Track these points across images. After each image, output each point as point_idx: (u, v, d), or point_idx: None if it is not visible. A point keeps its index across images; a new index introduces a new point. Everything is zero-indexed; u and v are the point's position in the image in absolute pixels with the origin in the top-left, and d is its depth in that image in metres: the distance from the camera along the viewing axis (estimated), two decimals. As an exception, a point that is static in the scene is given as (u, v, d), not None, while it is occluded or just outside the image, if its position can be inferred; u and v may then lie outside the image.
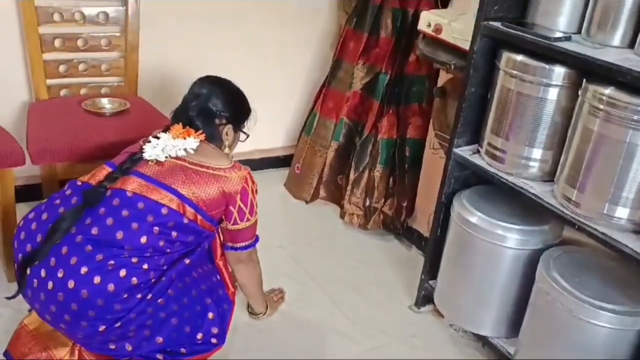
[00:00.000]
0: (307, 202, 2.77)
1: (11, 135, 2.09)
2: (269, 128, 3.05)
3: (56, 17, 2.35)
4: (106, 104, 2.34)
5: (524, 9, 1.81)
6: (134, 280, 1.48)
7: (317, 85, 2.94)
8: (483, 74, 1.87)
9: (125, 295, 1.47)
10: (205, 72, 2.82)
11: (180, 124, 1.72)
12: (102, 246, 1.49)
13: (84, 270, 1.45)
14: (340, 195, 2.71)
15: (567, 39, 1.65)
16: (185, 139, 1.67)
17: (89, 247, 1.48)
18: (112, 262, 1.47)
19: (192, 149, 1.66)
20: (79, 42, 2.42)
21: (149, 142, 1.67)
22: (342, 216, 2.67)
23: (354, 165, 2.59)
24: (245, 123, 1.88)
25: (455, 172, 1.98)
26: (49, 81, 2.41)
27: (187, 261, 1.61)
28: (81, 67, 2.45)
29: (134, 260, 1.50)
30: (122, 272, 1.46)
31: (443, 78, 2.30)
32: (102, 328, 1.47)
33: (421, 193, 2.53)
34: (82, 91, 2.49)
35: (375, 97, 2.54)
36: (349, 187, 2.61)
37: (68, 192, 1.62)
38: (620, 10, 1.59)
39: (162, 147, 1.65)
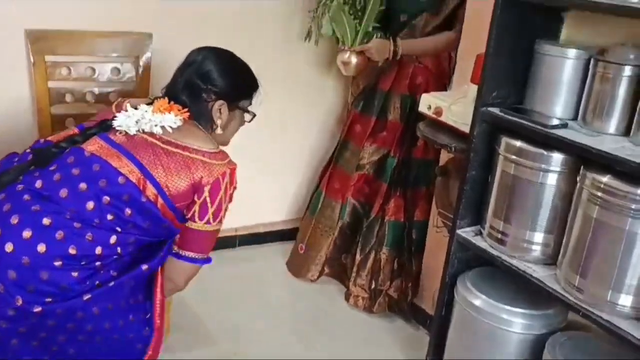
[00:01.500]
0: (312, 281, 2.75)
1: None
2: (273, 201, 3.09)
3: (68, 97, 2.43)
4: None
5: (522, 94, 1.86)
6: (72, 249, 1.29)
7: (322, 160, 2.99)
8: (483, 157, 1.90)
9: (58, 263, 1.28)
10: None
11: (166, 98, 1.56)
12: (42, 200, 1.32)
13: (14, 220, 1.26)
14: (344, 274, 2.71)
15: (564, 126, 1.69)
16: (164, 114, 1.48)
17: (27, 197, 1.32)
18: (48, 219, 1.29)
19: (171, 127, 1.46)
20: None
21: (125, 111, 1.51)
22: (347, 298, 2.66)
23: (360, 247, 2.60)
24: (247, 100, 1.66)
25: (458, 253, 1.99)
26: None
27: (144, 267, 1.41)
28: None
29: (77, 225, 1.31)
30: (59, 234, 1.28)
31: (445, 157, 2.34)
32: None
33: (426, 271, 2.53)
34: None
35: (383, 179, 2.58)
36: (354, 269, 2.60)
37: (28, 150, 1.50)
38: (614, 98, 1.63)
39: (136, 118, 1.47)
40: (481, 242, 1.91)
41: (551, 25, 1.87)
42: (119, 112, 1.54)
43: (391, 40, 2.48)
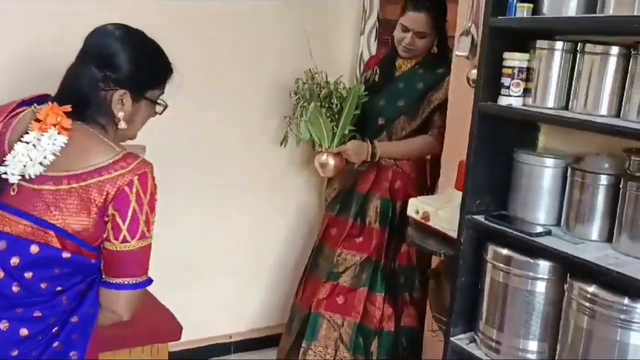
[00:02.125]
0: None
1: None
2: (267, 305, 3.06)
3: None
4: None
5: (504, 200, 1.90)
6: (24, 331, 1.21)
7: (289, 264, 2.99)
8: (472, 263, 1.91)
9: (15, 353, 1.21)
10: (200, 248, 2.83)
11: (54, 103, 1.31)
12: None
13: None
14: None
15: (548, 233, 1.72)
16: (47, 130, 1.25)
17: None
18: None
19: (59, 146, 1.25)
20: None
21: (17, 144, 1.27)
22: None
23: None
24: (156, 90, 1.44)
25: (454, 361, 1.96)
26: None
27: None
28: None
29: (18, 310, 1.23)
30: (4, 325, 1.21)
31: (436, 260, 2.35)
32: None
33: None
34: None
35: (371, 289, 2.49)
36: None
37: None
38: (594, 206, 1.67)
39: (23, 160, 1.25)
40: (476, 351, 1.89)
41: (528, 134, 1.94)
42: (14, 115, 1.33)
43: (368, 142, 2.52)
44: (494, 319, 1.82)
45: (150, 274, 2.52)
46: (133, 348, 2.17)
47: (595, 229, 1.68)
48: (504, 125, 1.85)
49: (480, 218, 1.85)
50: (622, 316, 1.47)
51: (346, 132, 2.52)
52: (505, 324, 1.79)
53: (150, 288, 2.41)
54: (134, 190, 1.26)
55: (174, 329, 2.20)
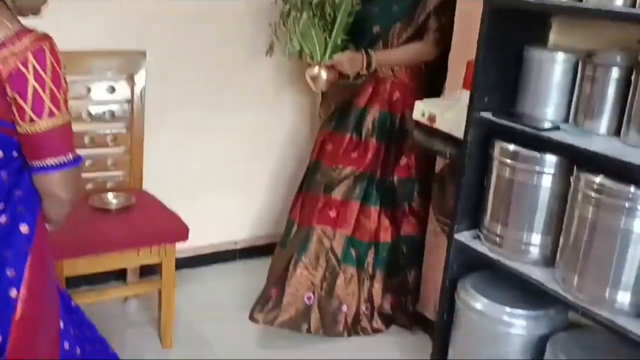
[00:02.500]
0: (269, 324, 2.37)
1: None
2: (270, 215, 3.10)
3: (64, 117, 2.43)
4: (112, 200, 2.39)
5: (513, 99, 1.89)
6: None
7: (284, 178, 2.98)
8: (478, 161, 1.93)
9: None
10: (204, 160, 2.82)
11: None
12: None
13: None
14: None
15: (556, 128, 1.72)
16: None
17: None
18: None
19: None
20: (86, 139, 2.49)
21: None
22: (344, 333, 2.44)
23: (358, 280, 2.44)
24: None
25: (457, 258, 2.01)
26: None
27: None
28: (87, 163, 2.51)
29: None
30: None
31: (440, 163, 2.36)
32: None
33: (426, 278, 2.54)
34: (88, 186, 2.53)
35: (370, 202, 2.45)
36: (352, 296, 2.43)
37: None
38: (604, 100, 1.67)
39: None
40: (479, 246, 1.93)
41: (538, 31, 1.91)
42: None
43: (363, 52, 2.38)
44: (499, 214, 1.85)
45: (152, 185, 2.58)
46: (141, 249, 2.21)
47: (603, 123, 1.69)
48: (514, 20, 1.81)
49: (487, 115, 1.84)
50: (627, 204, 1.50)
51: (339, 42, 2.38)
52: (509, 219, 1.82)
53: (156, 196, 2.49)
54: (30, 67, 1.18)
55: (181, 230, 2.23)
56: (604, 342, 1.77)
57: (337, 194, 2.44)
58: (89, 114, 2.48)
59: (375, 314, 2.50)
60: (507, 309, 1.83)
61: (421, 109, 2.20)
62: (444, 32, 2.34)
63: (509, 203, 1.81)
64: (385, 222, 2.48)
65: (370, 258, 2.47)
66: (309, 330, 2.38)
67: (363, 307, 2.47)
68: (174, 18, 2.62)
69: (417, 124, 2.22)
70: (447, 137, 2.11)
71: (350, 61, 2.37)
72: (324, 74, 2.39)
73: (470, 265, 2.04)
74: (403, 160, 2.46)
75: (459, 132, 1.99)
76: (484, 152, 1.91)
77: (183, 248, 2.45)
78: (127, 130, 2.55)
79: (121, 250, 2.18)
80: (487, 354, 1.89)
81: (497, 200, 1.85)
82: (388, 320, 2.53)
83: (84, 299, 2.25)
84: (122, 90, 2.51)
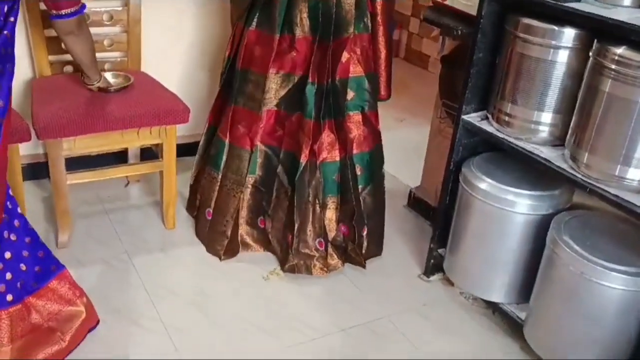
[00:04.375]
0: (220, 259, 2.19)
1: (16, 111, 2.08)
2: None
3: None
4: (110, 79, 2.31)
5: (532, -29, 1.78)
6: None
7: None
8: (491, 38, 1.84)
9: None
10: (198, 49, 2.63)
11: None
12: None
13: None
14: (266, 241, 2.22)
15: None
16: None
17: None
18: None
19: None
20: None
21: None
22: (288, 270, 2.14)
23: (296, 206, 2.09)
24: None
25: (463, 140, 1.97)
26: (52, 57, 2.38)
27: None
28: (83, 42, 2.43)
29: None
30: None
31: (448, 46, 2.27)
32: None
33: (428, 163, 2.52)
34: (85, 67, 2.46)
35: (305, 114, 2.05)
36: (293, 233, 2.11)
37: None
38: (631, -32, 1.57)
39: None
40: (487, 127, 1.89)
41: None
42: None
43: None
44: (510, 93, 1.79)
45: (151, 66, 2.48)
46: (141, 129, 2.16)
47: (628, -6, 1.59)
48: None
49: (505, -13, 1.74)
50: (647, 77, 1.44)
51: None
52: (520, 98, 1.77)
53: (155, 77, 2.42)
54: None
55: (181, 110, 2.18)
56: (607, 223, 1.77)
57: (278, 106, 2.10)
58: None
59: (330, 248, 2.16)
60: (512, 189, 1.81)
61: (433, -15, 2.09)
62: None
63: (521, 81, 1.75)
64: (332, 136, 2.08)
65: (327, 182, 2.11)
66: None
67: (316, 243, 2.14)
68: None
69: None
70: (459, 15, 2.02)
71: None
72: None
73: (476, 148, 2.01)
74: (345, 57, 2.02)
75: (472, 10, 1.89)
76: (498, 29, 1.82)
77: (181, 134, 2.40)
78: (124, 8, 2.44)
79: (121, 130, 2.13)
80: (488, 235, 1.89)
81: (509, 78, 1.79)
82: (343, 255, 2.20)
83: (83, 178, 2.25)
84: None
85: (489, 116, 1.90)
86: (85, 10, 1.73)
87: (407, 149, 2.95)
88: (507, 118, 1.81)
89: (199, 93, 2.77)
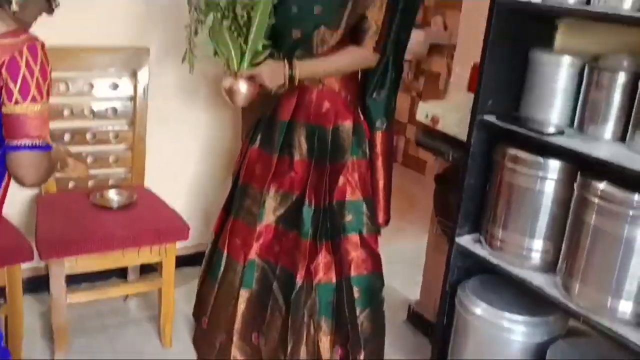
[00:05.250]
0: None
1: (19, 230, 2.13)
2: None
3: (66, 112, 2.43)
4: (114, 197, 2.38)
5: (517, 102, 1.87)
6: None
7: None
8: (481, 164, 1.91)
9: None
10: (207, 161, 2.68)
11: None
12: None
13: None
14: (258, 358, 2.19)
15: (560, 133, 1.71)
16: None
17: None
18: None
19: None
20: (88, 136, 2.49)
21: None
22: None
23: (290, 326, 2.08)
24: None
25: (458, 262, 2.00)
26: (58, 174, 2.45)
27: None
28: (89, 160, 2.51)
29: None
30: None
31: (441, 165, 2.35)
32: None
33: (426, 278, 2.54)
34: (90, 183, 2.53)
35: (301, 234, 2.08)
36: (286, 358, 2.09)
37: None
38: (609, 105, 1.66)
39: None
40: (481, 250, 1.92)
41: (545, 33, 1.89)
42: None
43: (286, 63, 1.97)
44: (501, 218, 1.84)
45: (153, 181, 2.57)
46: (141, 247, 2.20)
47: (609, 129, 1.67)
48: (520, 23, 1.79)
49: (491, 118, 1.83)
50: (631, 212, 1.49)
51: (259, 48, 1.95)
52: (511, 224, 1.81)
53: (157, 193, 2.49)
54: (24, 57, 1.38)
55: (182, 228, 2.23)
56: (604, 350, 1.75)
57: (275, 223, 2.14)
58: (92, 111, 2.47)
59: None
60: (507, 315, 1.82)
61: (424, 110, 2.19)
62: (381, 35, 2.00)
63: (511, 207, 1.80)
64: (329, 257, 2.09)
65: (322, 304, 2.10)
66: None
67: None
68: (178, 13, 2.59)
69: (419, 125, 2.21)
70: (450, 139, 2.10)
71: (270, 74, 1.95)
72: (242, 87, 1.96)
73: (471, 269, 2.03)
74: (341, 181, 2.06)
75: (462, 135, 1.97)
76: (488, 156, 1.89)
77: (184, 245, 2.44)
78: (130, 127, 2.54)
79: (122, 249, 2.18)
80: (486, 358, 1.88)
81: (500, 205, 1.84)
82: None
83: (84, 297, 2.26)
84: (125, 87, 2.50)
85: (482, 240, 1.93)
86: (49, 151, 1.45)
87: (405, 259, 2.96)
88: (499, 243, 1.85)
89: (205, 204, 2.83)
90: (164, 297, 2.31)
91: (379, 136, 2.13)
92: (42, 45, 1.42)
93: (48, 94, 1.44)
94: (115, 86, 2.49)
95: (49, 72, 1.42)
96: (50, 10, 1.56)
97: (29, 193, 2.51)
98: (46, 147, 1.44)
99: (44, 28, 2.33)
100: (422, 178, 4.29)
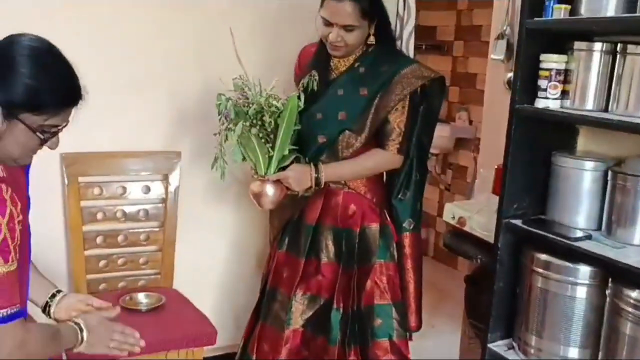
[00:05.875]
0: None
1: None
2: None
3: (99, 216, 2.50)
4: (143, 300, 2.40)
5: (543, 205, 1.87)
6: None
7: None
8: (510, 267, 1.89)
9: None
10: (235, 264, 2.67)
11: None
12: None
13: None
14: None
15: (588, 237, 1.69)
16: None
17: None
18: None
19: None
20: (120, 238, 2.54)
21: None
22: None
23: None
24: (43, 115, 1.20)
25: (491, 368, 1.94)
26: (89, 276, 2.50)
27: None
28: (120, 261, 2.55)
29: None
30: None
31: (471, 266, 2.32)
32: None
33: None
34: (120, 284, 2.56)
35: (329, 340, 2.06)
36: None
37: None
38: (636, 209, 1.64)
39: None
40: (514, 357, 1.86)
41: (566, 137, 1.91)
42: None
43: (312, 167, 2.01)
44: (534, 325, 1.79)
45: (182, 282, 2.59)
46: (168, 352, 2.19)
47: (637, 233, 1.65)
48: (541, 128, 1.82)
49: (517, 222, 1.82)
50: (667, 322, 1.44)
51: (286, 152, 2.00)
52: (545, 331, 1.76)
53: (186, 294, 2.50)
54: None
55: (209, 333, 2.22)
56: None
57: (303, 326, 2.12)
58: (124, 213, 2.54)
59: None
60: None
61: (451, 211, 2.20)
62: (404, 137, 2.03)
63: (543, 314, 1.76)
64: None
65: None
66: None
67: None
68: (208, 119, 2.70)
69: (448, 226, 2.21)
70: (478, 241, 2.09)
71: (297, 178, 2.00)
72: (270, 191, 2.00)
73: (505, 376, 1.96)
74: (369, 285, 2.06)
75: (489, 237, 1.97)
76: (516, 258, 1.87)
77: (213, 347, 2.41)
78: (160, 229, 2.59)
79: (149, 354, 2.16)
80: None
81: (531, 310, 1.80)
82: None
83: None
84: (157, 189, 2.58)
85: (515, 346, 1.88)
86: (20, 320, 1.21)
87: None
88: (532, 350, 1.79)
89: (234, 305, 2.82)
90: (189, 404, 2.26)
91: (407, 237, 2.12)
92: (12, 194, 1.18)
93: (16, 251, 1.19)
94: (147, 189, 2.57)
95: (17, 228, 1.19)
96: (40, 143, 1.27)
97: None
98: (10, 318, 1.18)
99: (78, 135, 2.49)
100: (455, 272, 4.20)
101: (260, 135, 1.97)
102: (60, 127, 1.26)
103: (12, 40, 1.21)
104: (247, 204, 2.81)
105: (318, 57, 2.12)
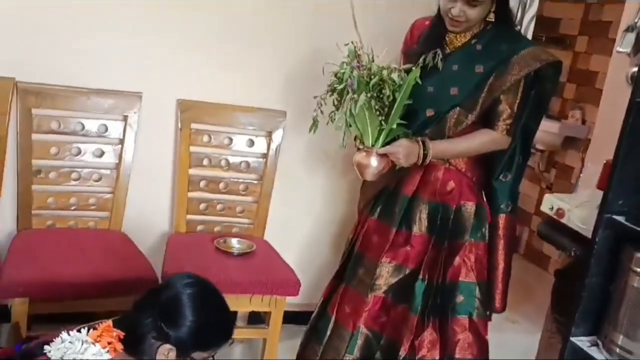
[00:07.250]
0: None
1: (148, 261, 2.31)
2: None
3: (205, 162, 2.64)
4: (235, 244, 2.53)
5: (651, 204, 1.79)
6: None
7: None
8: (605, 264, 1.82)
9: None
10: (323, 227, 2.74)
11: (111, 323, 1.39)
12: None
13: None
14: None
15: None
16: (95, 344, 1.33)
17: None
18: None
19: None
20: (221, 185, 2.68)
21: (68, 334, 1.37)
22: None
23: None
24: (205, 352, 1.46)
25: (570, 363, 1.89)
26: (189, 216, 2.66)
27: None
28: (219, 207, 2.69)
29: None
30: None
31: (563, 260, 2.26)
32: None
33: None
34: (216, 228, 2.70)
35: (411, 308, 2.07)
36: None
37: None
38: None
39: (64, 350, 1.32)
40: (597, 354, 1.80)
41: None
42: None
43: (420, 143, 2.01)
44: (624, 325, 1.72)
45: (273, 236, 2.70)
46: (253, 295, 2.30)
47: None
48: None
49: (620, 218, 1.75)
50: None
51: (394, 126, 1.99)
52: (636, 333, 1.69)
53: (275, 247, 2.60)
54: None
55: (293, 284, 2.31)
56: None
57: (386, 294, 2.14)
58: (228, 162, 2.67)
59: None
60: None
61: (550, 202, 2.14)
62: (515, 119, 2.01)
63: (636, 314, 1.69)
64: (435, 335, 2.07)
65: None
66: None
67: None
68: (316, 82, 2.77)
69: (543, 216, 2.15)
70: (574, 234, 2.03)
71: (406, 152, 1.99)
72: (374, 162, 2.00)
73: (584, 374, 1.91)
74: (457, 261, 2.06)
75: (587, 232, 1.91)
76: (613, 256, 1.81)
77: (294, 302, 2.51)
78: (258, 182, 2.71)
79: (236, 294, 2.28)
80: None
81: (623, 309, 1.73)
82: None
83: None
84: (260, 144, 2.69)
85: (599, 343, 1.82)
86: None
87: (514, 354, 2.82)
88: (620, 351, 1.73)
89: (316, 267, 2.91)
90: (268, 348, 2.37)
91: (502, 219, 2.09)
92: None
93: None
94: (251, 143, 2.68)
95: None
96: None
97: (161, 231, 2.72)
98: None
99: (198, 84, 2.63)
100: (544, 274, 4.07)
101: (377, 107, 1.95)
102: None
103: (172, 284, 1.43)
104: (339, 173, 2.89)
105: (433, 31, 2.10)
